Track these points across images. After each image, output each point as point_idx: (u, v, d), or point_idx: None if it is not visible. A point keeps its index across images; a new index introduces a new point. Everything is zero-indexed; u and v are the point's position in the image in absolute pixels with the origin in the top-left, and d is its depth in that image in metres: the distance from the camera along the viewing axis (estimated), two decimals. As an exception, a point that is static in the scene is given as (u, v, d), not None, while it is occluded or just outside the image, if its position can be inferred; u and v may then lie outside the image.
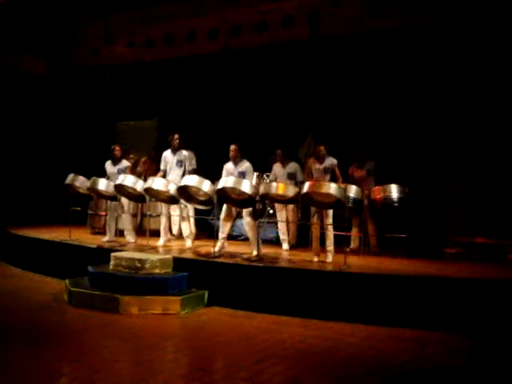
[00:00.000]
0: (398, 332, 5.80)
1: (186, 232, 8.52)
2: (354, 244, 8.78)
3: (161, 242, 8.59)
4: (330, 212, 7.37)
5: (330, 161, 7.77)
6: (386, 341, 5.54)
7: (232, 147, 7.98)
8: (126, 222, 8.90)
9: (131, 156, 10.36)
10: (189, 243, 8.47)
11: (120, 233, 9.11)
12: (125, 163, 9.07)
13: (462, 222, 8.85)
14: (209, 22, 10.88)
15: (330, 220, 7.37)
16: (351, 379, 4.43)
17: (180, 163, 8.49)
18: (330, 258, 7.32)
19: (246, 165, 7.88)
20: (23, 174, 12.12)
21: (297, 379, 4.38)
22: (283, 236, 8.78)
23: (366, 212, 8.48)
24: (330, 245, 7.40)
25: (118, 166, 8.95)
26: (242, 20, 10.57)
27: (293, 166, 8.83)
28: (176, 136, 8.54)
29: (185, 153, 8.59)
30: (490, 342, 5.56)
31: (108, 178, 8.73)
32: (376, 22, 9.18)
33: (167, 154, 8.59)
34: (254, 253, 7.53)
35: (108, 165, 9.03)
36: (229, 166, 7.98)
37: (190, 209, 8.64)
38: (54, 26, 12.20)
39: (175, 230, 9.32)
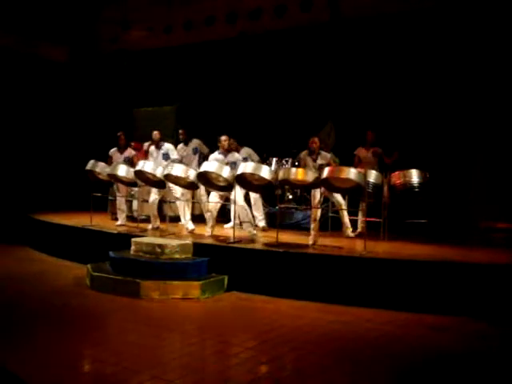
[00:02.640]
0: (418, 317, 5.78)
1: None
2: (361, 228, 8.72)
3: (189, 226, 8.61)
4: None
5: (325, 158, 7.80)
6: (406, 326, 5.53)
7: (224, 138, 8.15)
8: (152, 208, 8.90)
9: (150, 142, 10.37)
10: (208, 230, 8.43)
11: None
12: (131, 152, 9.21)
13: (483, 207, 8.74)
14: (227, 6, 10.81)
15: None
16: (371, 363, 4.44)
17: (195, 150, 9.06)
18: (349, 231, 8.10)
19: (236, 156, 8.16)
20: (45, 161, 12.28)
21: (318, 363, 4.40)
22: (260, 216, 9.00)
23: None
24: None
25: (124, 155, 9.11)
26: (260, 3, 10.50)
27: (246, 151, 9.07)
28: (180, 131, 9.34)
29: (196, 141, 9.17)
30: (510, 328, 5.52)
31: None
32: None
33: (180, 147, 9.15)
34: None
35: (114, 152, 9.16)
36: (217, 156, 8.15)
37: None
38: (74, 13, 12.24)
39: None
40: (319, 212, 7.73)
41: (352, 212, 8.44)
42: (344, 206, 8.14)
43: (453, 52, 8.91)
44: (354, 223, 8.51)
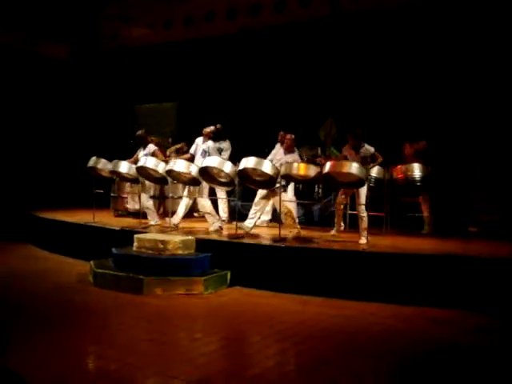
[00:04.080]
0: (420, 311, 5.79)
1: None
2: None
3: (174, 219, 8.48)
4: (362, 192, 7.33)
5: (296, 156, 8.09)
6: (408, 320, 5.54)
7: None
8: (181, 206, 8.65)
9: (152, 138, 10.39)
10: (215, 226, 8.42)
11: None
12: (151, 147, 8.88)
13: (484, 201, 8.74)
14: (227, 1, 10.79)
15: (361, 200, 7.34)
16: (374, 357, 4.45)
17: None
18: (363, 240, 7.18)
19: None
20: (47, 158, 12.29)
21: (321, 358, 4.41)
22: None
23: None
24: (362, 224, 7.30)
25: (145, 151, 8.80)
26: (260, -1, 10.48)
27: None
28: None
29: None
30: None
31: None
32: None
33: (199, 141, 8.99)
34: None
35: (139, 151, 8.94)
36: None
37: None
38: (75, 11, 12.21)
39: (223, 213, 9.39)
40: (290, 206, 7.79)
41: (354, 207, 8.41)
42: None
43: (454, 46, 8.88)
44: (354, 218, 8.46)
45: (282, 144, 8.62)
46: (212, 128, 8.84)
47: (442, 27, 8.93)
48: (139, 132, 9.06)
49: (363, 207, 7.28)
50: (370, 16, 9.43)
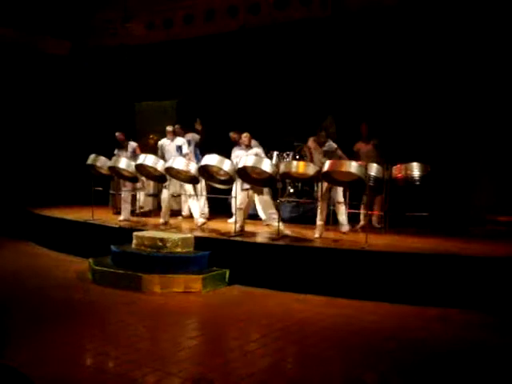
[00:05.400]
0: (420, 310, 5.80)
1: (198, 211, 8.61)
2: (363, 221, 8.73)
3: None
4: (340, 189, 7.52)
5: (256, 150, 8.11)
6: (408, 318, 5.54)
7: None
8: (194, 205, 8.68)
9: (151, 136, 10.39)
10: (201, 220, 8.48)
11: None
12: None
13: (485, 200, 8.73)
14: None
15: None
16: (374, 356, 4.45)
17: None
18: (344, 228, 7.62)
19: (255, 150, 8.15)
20: (46, 155, 12.27)
21: (320, 356, 4.41)
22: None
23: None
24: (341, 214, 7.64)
25: (175, 143, 8.94)
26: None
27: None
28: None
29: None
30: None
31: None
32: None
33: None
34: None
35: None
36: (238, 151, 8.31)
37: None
38: (75, 7, 12.20)
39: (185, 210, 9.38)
40: (240, 199, 7.81)
41: (354, 206, 8.43)
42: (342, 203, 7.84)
43: (455, 44, 8.85)
44: (355, 217, 8.50)
45: (238, 144, 8.56)
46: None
47: (443, 24, 8.89)
48: (117, 133, 9.29)
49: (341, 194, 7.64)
50: (371, 14, 9.41)
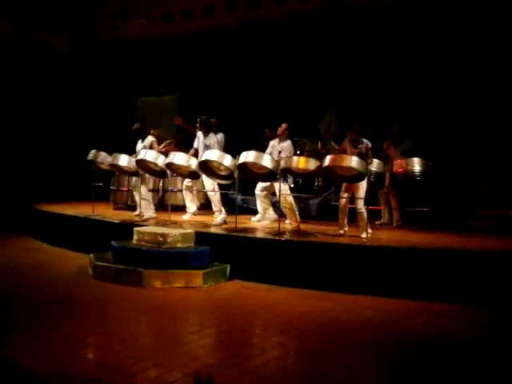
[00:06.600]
0: (419, 305, 5.80)
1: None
2: (384, 218, 8.79)
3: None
4: (361, 186, 7.17)
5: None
6: (407, 314, 5.55)
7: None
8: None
9: (152, 131, 10.37)
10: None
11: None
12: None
13: (485, 195, 8.73)
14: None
15: (360, 194, 7.18)
16: (372, 351, 4.46)
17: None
18: (364, 234, 7.09)
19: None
20: (46, 151, 12.26)
21: (321, 351, 4.42)
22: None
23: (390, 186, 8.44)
24: (361, 220, 7.25)
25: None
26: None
27: None
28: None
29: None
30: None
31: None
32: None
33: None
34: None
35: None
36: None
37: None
38: (74, 2, 12.17)
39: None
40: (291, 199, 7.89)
41: (374, 202, 8.38)
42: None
43: (454, 39, 8.85)
44: (353, 212, 8.47)
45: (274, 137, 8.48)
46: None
47: (442, 20, 8.89)
48: (135, 126, 9.07)
49: (362, 202, 7.18)
50: (371, 9, 9.38)
